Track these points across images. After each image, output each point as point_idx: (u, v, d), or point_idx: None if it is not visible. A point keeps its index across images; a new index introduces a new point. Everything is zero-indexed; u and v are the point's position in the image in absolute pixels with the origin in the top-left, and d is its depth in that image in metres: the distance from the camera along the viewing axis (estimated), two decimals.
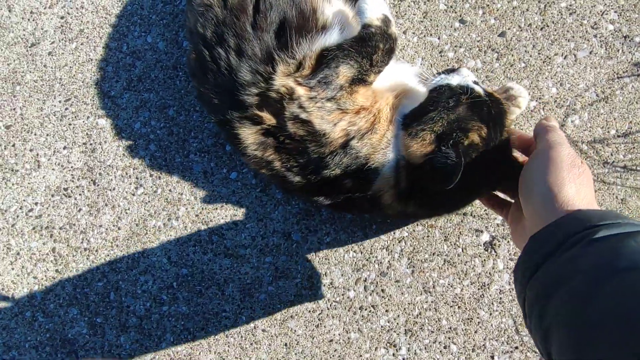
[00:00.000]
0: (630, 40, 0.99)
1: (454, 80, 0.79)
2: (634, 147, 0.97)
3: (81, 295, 1.05)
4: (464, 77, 0.80)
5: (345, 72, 0.81)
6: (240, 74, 0.81)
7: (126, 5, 1.08)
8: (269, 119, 0.81)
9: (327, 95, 0.80)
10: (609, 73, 0.99)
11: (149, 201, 1.05)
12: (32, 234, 1.07)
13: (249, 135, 0.83)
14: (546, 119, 0.71)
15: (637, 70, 0.98)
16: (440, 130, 0.74)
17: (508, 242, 0.99)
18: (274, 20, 0.83)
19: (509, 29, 1.01)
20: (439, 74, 0.82)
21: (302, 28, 0.83)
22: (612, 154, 0.97)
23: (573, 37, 1.00)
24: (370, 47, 0.82)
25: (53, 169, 1.08)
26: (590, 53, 0.99)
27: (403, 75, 0.90)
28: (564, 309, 0.47)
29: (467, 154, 0.72)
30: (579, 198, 0.59)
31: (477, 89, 0.78)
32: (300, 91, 0.80)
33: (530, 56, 1.00)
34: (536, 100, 0.99)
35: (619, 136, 0.97)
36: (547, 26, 1.01)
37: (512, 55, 1.01)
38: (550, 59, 1.00)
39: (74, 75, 1.08)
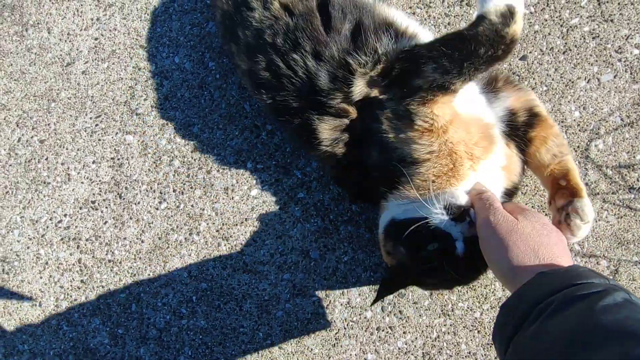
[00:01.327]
0: None
1: (451, 230, 0.72)
2: None
3: (104, 306, 1.08)
4: (460, 231, 0.72)
5: (427, 74, 0.72)
6: (320, 79, 0.80)
7: (156, 27, 1.13)
8: (353, 111, 0.80)
9: (401, 97, 0.74)
10: (634, 97, 0.97)
11: (171, 216, 1.08)
12: (60, 244, 1.11)
13: (326, 130, 0.82)
14: (473, 188, 0.74)
15: None
16: (406, 265, 0.78)
17: None
18: (349, 21, 0.81)
19: (530, 52, 1.01)
20: (447, 210, 0.71)
21: (379, 29, 0.79)
22: (638, 179, 0.95)
23: (596, 61, 0.99)
24: (467, 52, 0.69)
25: (82, 182, 1.12)
26: (615, 77, 0.98)
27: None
28: None
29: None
30: (530, 258, 0.61)
31: (459, 251, 0.72)
32: (375, 92, 0.78)
33: (553, 79, 1.00)
34: (559, 124, 0.99)
35: None
36: (570, 50, 1.00)
37: (534, 78, 1.01)
38: (573, 82, 0.99)
39: (105, 93, 1.13)
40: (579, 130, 0.98)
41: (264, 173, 1.06)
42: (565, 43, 1.01)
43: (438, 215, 0.70)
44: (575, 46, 1.00)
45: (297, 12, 0.84)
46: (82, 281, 1.10)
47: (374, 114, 0.78)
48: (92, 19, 1.16)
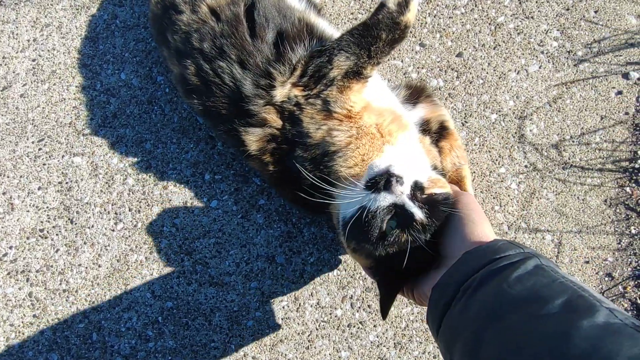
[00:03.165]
0: (573, 54, 1.09)
1: (385, 201, 0.68)
2: (587, 150, 1.05)
3: (61, 339, 1.02)
4: (397, 196, 0.68)
5: (340, 63, 0.80)
6: (245, 87, 0.83)
7: (98, 45, 1.11)
8: (274, 120, 0.83)
9: (318, 90, 0.80)
10: (558, 84, 1.07)
11: (129, 236, 1.05)
12: (7, 279, 1.04)
13: (253, 142, 0.84)
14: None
15: (583, 81, 1.07)
16: (378, 259, 0.71)
17: None
18: (272, 29, 0.84)
19: (465, 49, 1.09)
20: (368, 188, 0.69)
21: (297, 37, 0.84)
22: (569, 158, 1.05)
23: (523, 54, 1.09)
24: (371, 37, 0.78)
25: (28, 211, 1.06)
26: (540, 67, 1.08)
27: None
28: None
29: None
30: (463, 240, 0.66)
31: (417, 214, 0.67)
32: (295, 91, 0.82)
33: (487, 73, 1.08)
34: (496, 113, 1.07)
35: (573, 140, 1.05)
36: (499, 45, 1.09)
37: (471, 73, 1.08)
38: (505, 74, 1.08)
39: (47, 116, 1.09)
40: (515, 118, 1.06)
41: (223, 183, 1.06)
42: (495, 39, 1.10)
43: (364, 197, 0.69)
44: (504, 42, 1.09)
45: (223, 18, 0.86)
46: (34, 316, 1.03)
47: (294, 118, 0.82)
48: (28, 40, 1.11)
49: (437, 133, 0.91)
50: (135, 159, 1.07)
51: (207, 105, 0.87)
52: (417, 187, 0.70)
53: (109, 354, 1.01)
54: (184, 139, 1.07)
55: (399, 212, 0.67)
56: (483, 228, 0.66)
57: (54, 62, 1.10)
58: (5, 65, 1.10)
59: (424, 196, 0.70)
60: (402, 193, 0.67)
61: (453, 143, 0.91)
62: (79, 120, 1.09)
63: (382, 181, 0.68)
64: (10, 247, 1.05)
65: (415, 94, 0.93)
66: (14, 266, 1.04)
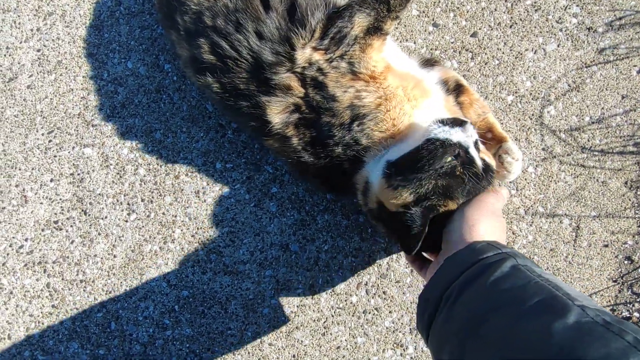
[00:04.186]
0: (594, 31, 1.04)
1: (455, 136, 0.73)
2: (608, 132, 1.02)
3: (81, 329, 1.03)
4: (467, 137, 0.73)
5: (360, 20, 0.81)
6: (264, 55, 0.82)
7: (103, 33, 1.08)
8: (297, 87, 0.82)
9: (341, 52, 0.81)
10: (577, 63, 1.04)
11: (142, 226, 1.05)
12: (24, 270, 1.05)
13: (275, 114, 0.83)
14: None
15: (603, 59, 1.04)
16: (423, 192, 0.72)
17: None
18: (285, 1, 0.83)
19: (480, 29, 1.06)
20: (442, 122, 0.75)
21: (312, 4, 0.83)
22: (589, 140, 1.02)
23: (540, 32, 1.05)
24: None
25: (41, 203, 1.06)
26: (558, 46, 1.04)
27: (418, 73, 0.89)
28: None
29: (435, 220, 0.72)
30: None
31: (477, 160, 0.73)
32: (317, 56, 0.82)
33: (503, 53, 1.05)
34: (513, 95, 1.04)
35: (593, 122, 1.02)
36: (516, 24, 1.05)
37: (486, 53, 1.05)
38: (521, 54, 1.05)
39: (56, 107, 1.08)
40: (532, 99, 1.03)
41: (235, 172, 1.05)
42: (511, 17, 1.06)
43: (437, 129, 0.74)
44: (521, 19, 1.05)
45: None
46: (53, 306, 1.04)
47: (318, 83, 0.81)
48: (31, 30, 1.09)
49: (454, 91, 0.93)
50: (146, 149, 1.06)
51: (224, 83, 0.86)
52: (476, 144, 0.75)
53: (127, 342, 1.03)
54: (194, 128, 1.06)
55: (461, 153, 0.72)
56: (478, 228, 0.66)
57: (59, 52, 1.08)
58: (9, 56, 1.08)
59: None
60: (471, 136, 0.74)
61: (472, 97, 0.94)
62: (88, 111, 1.07)
63: (457, 121, 0.74)
64: (26, 239, 1.05)
65: (428, 62, 0.96)
66: (31, 258, 1.05)
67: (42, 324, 1.04)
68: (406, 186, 0.73)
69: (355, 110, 0.80)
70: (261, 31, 0.82)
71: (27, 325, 1.04)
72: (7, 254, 1.05)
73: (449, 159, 0.72)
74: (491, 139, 0.90)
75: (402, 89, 0.83)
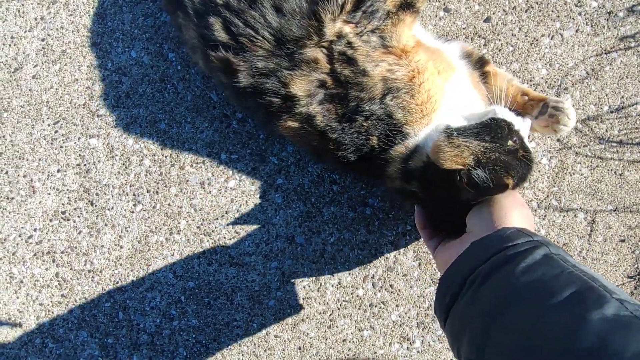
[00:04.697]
0: (614, 16, 0.99)
1: (517, 125, 0.76)
2: (627, 122, 0.97)
3: (89, 318, 1.05)
4: (525, 129, 0.78)
5: None
6: (288, 30, 0.79)
7: (106, 22, 1.07)
8: (323, 62, 0.80)
9: (373, 27, 0.80)
10: (596, 50, 0.99)
11: (148, 217, 1.05)
12: (33, 260, 1.06)
13: (300, 88, 0.81)
14: None
15: (624, 45, 0.98)
16: (485, 160, 0.71)
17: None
18: None
19: (493, 13, 1.01)
20: (505, 107, 0.78)
21: None
22: (607, 130, 0.98)
23: (558, 16, 1.00)
24: None
25: (49, 194, 1.06)
26: (577, 31, 0.99)
27: (447, 51, 0.89)
28: (469, 355, 0.52)
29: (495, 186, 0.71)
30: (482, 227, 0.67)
31: (532, 151, 0.77)
32: (347, 29, 0.80)
33: (518, 39, 1.00)
34: (527, 83, 0.99)
35: (612, 112, 0.98)
36: (532, 7, 1.00)
37: (500, 39, 1.01)
38: (537, 40, 1.00)
39: (61, 97, 1.07)
40: (547, 87, 0.99)
41: (240, 163, 1.03)
42: (527, 1, 1.01)
43: (503, 110, 0.76)
44: (537, 3, 1.00)
45: None
46: (62, 295, 1.05)
47: (347, 58, 0.79)
48: (35, 19, 1.08)
49: (478, 62, 0.90)
50: (151, 140, 1.05)
51: (238, 62, 0.82)
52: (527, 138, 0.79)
53: (135, 331, 1.04)
54: (199, 118, 1.05)
55: (518, 141, 0.74)
56: (510, 216, 0.64)
57: (63, 42, 1.07)
58: (14, 45, 1.08)
59: None
60: (527, 129, 0.78)
61: (494, 69, 0.92)
62: (93, 101, 1.07)
63: (519, 112, 0.77)
64: (35, 230, 1.06)
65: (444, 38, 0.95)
66: (40, 248, 1.06)
67: (52, 312, 1.06)
68: (469, 148, 0.72)
69: (388, 84, 0.79)
70: (280, 6, 0.80)
71: (38, 313, 1.06)
72: (17, 244, 1.06)
73: (512, 141, 0.73)
74: (529, 102, 0.88)
75: (432, 63, 0.82)
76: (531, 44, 1.00)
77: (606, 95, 0.98)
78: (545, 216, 0.98)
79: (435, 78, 0.81)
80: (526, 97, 0.86)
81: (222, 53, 0.83)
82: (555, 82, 0.99)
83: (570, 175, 0.98)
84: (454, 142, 0.74)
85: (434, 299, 0.62)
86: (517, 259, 0.52)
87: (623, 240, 0.97)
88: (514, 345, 0.46)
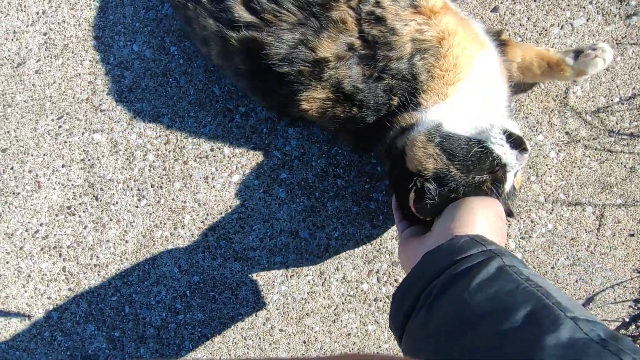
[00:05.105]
0: (626, 4, 0.96)
1: (508, 158, 0.71)
2: (638, 113, 0.95)
3: (96, 311, 1.06)
4: (516, 163, 0.72)
5: None
6: None
7: (107, 15, 1.06)
8: (351, 24, 0.79)
9: None
10: (607, 40, 0.96)
11: (153, 212, 1.05)
12: (40, 255, 1.07)
13: (327, 47, 0.79)
14: None
15: (636, 34, 0.96)
16: (445, 177, 0.70)
17: (518, 221, 0.98)
18: None
19: (501, 2, 0.98)
20: (507, 136, 0.71)
21: None
22: (617, 122, 0.95)
23: (568, 5, 0.97)
24: None
25: (54, 189, 1.07)
26: (587, 20, 0.97)
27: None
28: None
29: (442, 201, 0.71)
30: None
31: (507, 185, 0.73)
32: None
33: (526, 29, 0.98)
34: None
35: (623, 103, 0.95)
36: None
37: (508, 30, 0.98)
38: (546, 30, 0.97)
39: (64, 92, 1.07)
40: None
41: (243, 157, 1.03)
42: None
43: (498, 141, 0.71)
44: None
45: None
46: (69, 289, 1.07)
47: (375, 17, 0.78)
48: (37, 13, 1.07)
49: (496, 32, 0.89)
50: (154, 134, 1.05)
51: (264, 37, 0.81)
52: (516, 173, 0.75)
53: (141, 325, 1.05)
54: (202, 112, 1.04)
55: (500, 173, 0.71)
56: (474, 220, 0.62)
57: (65, 36, 1.06)
58: (17, 40, 1.07)
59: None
60: (520, 164, 0.72)
61: (508, 37, 0.92)
62: (96, 96, 1.06)
63: (516, 138, 0.71)
64: (41, 224, 1.07)
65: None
66: (46, 242, 1.07)
67: (60, 306, 1.07)
68: (437, 162, 0.72)
69: (417, 44, 0.77)
70: None
71: (46, 307, 1.07)
72: (24, 239, 1.07)
73: (486, 175, 0.71)
74: (550, 65, 0.88)
75: (462, 29, 0.79)
76: (540, 34, 0.97)
77: (617, 86, 0.96)
78: (553, 210, 0.97)
79: (466, 45, 0.78)
80: (545, 64, 0.86)
81: (246, 33, 0.81)
82: None
83: (579, 169, 0.96)
84: (428, 148, 0.72)
85: (389, 315, 0.61)
86: (471, 274, 0.50)
87: (632, 235, 0.95)
88: None
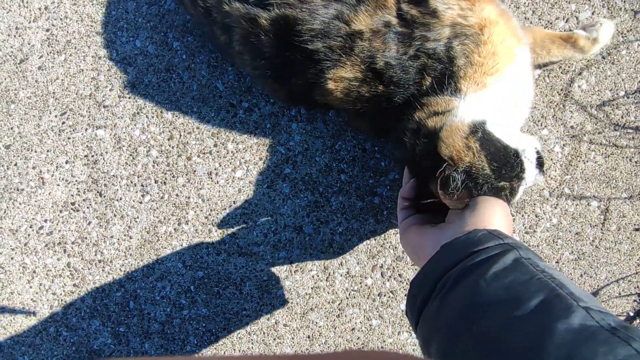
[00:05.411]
0: None
1: (529, 176, 0.74)
2: None
3: (101, 307, 1.06)
4: (531, 180, 0.74)
5: None
6: None
7: (110, 10, 1.06)
8: (390, 2, 0.77)
9: None
10: (613, 32, 0.95)
11: (157, 208, 1.05)
12: (45, 251, 1.07)
13: (364, 24, 0.77)
14: None
15: None
16: (474, 175, 0.71)
17: (522, 216, 0.98)
18: None
19: None
20: (538, 157, 0.74)
21: None
22: (622, 116, 0.95)
23: None
24: None
25: (58, 185, 1.07)
26: (593, 14, 0.96)
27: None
28: None
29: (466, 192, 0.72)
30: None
31: (517, 196, 0.75)
32: None
33: (531, 22, 0.97)
34: (540, 68, 0.97)
35: (628, 97, 0.95)
36: None
37: None
38: (551, 23, 0.97)
39: (67, 88, 1.07)
40: (561, 73, 0.96)
41: (247, 152, 1.03)
42: None
43: (531, 157, 0.73)
44: None
45: None
46: (74, 285, 1.07)
47: None
48: (39, 9, 1.07)
49: None
50: (157, 130, 1.05)
51: (297, 13, 0.79)
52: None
53: (146, 320, 1.05)
54: (205, 108, 1.04)
55: (515, 185, 0.73)
56: (490, 216, 0.63)
57: (67, 32, 1.06)
58: (19, 36, 1.07)
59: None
60: (532, 182, 0.75)
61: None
62: (99, 92, 1.06)
63: (542, 163, 0.74)
64: (45, 220, 1.07)
65: None
66: (51, 238, 1.07)
67: (65, 302, 1.07)
68: (474, 157, 0.71)
69: (457, 29, 0.75)
70: None
71: (51, 303, 1.08)
72: (29, 235, 1.08)
73: (508, 183, 0.72)
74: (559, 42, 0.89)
75: (503, 20, 0.78)
76: (545, 27, 0.97)
77: (622, 80, 0.95)
78: (557, 205, 0.96)
79: (506, 36, 0.76)
80: (557, 38, 0.87)
81: (278, 11, 0.80)
82: (569, 66, 0.96)
83: (584, 163, 0.96)
84: (470, 141, 0.72)
85: (405, 301, 0.62)
86: (487, 264, 0.51)
87: (637, 229, 0.95)
88: (479, 357, 0.46)
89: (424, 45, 0.76)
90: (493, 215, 0.64)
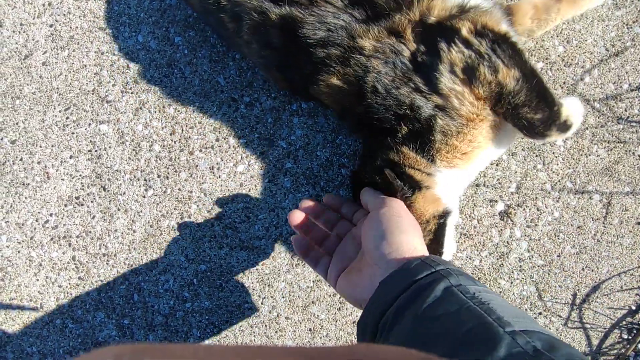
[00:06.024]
0: None
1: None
2: None
3: (106, 300, 1.08)
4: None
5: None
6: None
7: (112, 6, 1.06)
8: (410, 37, 0.75)
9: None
10: (617, 24, 0.94)
11: (160, 202, 1.06)
12: (51, 244, 1.09)
13: (370, 43, 0.76)
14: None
15: None
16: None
17: (524, 209, 0.97)
18: None
19: None
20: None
21: None
22: (626, 110, 0.94)
23: None
24: None
25: (63, 179, 1.08)
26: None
27: None
28: None
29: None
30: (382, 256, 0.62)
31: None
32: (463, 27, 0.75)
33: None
34: (543, 61, 0.96)
35: (632, 90, 0.94)
36: None
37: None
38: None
39: (71, 84, 1.08)
40: (564, 66, 0.95)
41: (248, 147, 1.03)
42: None
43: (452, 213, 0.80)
44: None
45: None
46: (79, 278, 1.09)
47: (447, 37, 0.73)
48: (43, 5, 1.08)
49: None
50: (160, 125, 1.06)
51: (305, 16, 0.79)
52: None
53: (150, 313, 1.06)
54: (207, 103, 1.04)
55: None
56: (411, 238, 0.62)
57: (70, 27, 1.07)
58: (24, 32, 1.08)
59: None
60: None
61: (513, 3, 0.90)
62: (102, 87, 1.07)
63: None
64: (51, 215, 1.09)
65: None
66: (56, 232, 1.09)
67: (70, 294, 1.09)
68: (424, 233, 0.74)
69: (446, 105, 0.73)
70: None
71: (57, 295, 1.09)
72: (34, 229, 1.09)
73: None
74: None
75: (489, 131, 0.77)
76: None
77: (626, 72, 0.94)
78: (559, 198, 0.96)
79: (485, 141, 0.77)
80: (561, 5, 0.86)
81: (287, 8, 0.79)
82: (572, 59, 0.95)
83: (586, 157, 0.95)
84: (432, 221, 0.77)
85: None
86: (421, 297, 0.51)
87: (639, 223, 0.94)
88: None
89: (414, 93, 0.74)
90: (407, 230, 0.64)
